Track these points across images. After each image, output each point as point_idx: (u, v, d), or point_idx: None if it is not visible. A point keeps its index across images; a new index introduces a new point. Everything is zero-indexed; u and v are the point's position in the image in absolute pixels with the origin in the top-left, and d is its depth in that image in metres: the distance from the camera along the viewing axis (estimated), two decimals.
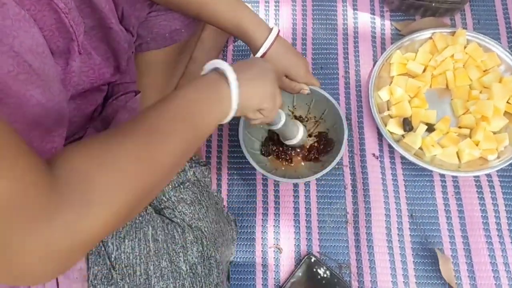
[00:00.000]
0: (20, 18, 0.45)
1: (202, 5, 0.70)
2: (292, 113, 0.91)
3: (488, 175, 0.88)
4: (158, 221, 0.63)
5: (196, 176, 0.71)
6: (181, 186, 0.68)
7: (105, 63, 0.66)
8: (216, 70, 0.54)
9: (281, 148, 0.86)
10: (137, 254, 0.58)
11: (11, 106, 0.43)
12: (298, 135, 0.80)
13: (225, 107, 0.53)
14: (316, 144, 0.87)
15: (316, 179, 0.85)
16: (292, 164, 0.86)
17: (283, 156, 0.86)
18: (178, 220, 0.64)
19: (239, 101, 0.53)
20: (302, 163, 0.87)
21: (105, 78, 0.65)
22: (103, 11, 0.62)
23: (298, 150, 0.86)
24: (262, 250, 0.85)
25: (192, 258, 0.61)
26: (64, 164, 0.36)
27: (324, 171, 0.77)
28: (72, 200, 0.35)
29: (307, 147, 0.87)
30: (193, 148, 0.50)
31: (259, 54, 0.72)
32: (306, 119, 0.90)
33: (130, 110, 0.74)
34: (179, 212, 0.66)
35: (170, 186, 0.68)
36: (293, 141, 0.80)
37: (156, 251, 0.59)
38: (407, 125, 0.90)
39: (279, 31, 0.72)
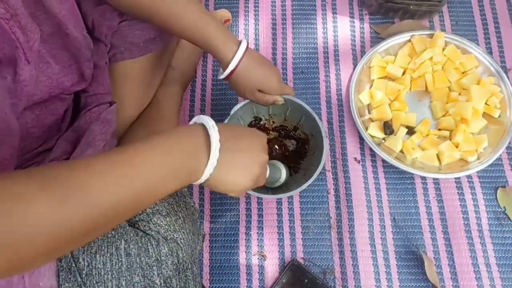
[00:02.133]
0: None
1: (165, 19, 0.68)
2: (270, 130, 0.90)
3: (469, 176, 0.89)
4: (131, 234, 0.62)
5: None
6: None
7: (65, 71, 0.64)
8: (202, 126, 0.50)
9: None
10: (108, 269, 0.57)
11: None
12: (281, 177, 0.79)
13: (190, 177, 0.49)
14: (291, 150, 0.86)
15: None
16: None
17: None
18: (153, 233, 0.63)
19: (210, 178, 0.50)
20: None
21: (65, 87, 0.63)
22: (57, 17, 0.60)
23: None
24: (246, 258, 0.85)
25: (167, 271, 0.60)
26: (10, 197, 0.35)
27: (308, 182, 0.75)
28: None
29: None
30: (131, 213, 0.44)
31: (228, 70, 0.70)
32: (287, 129, 0.89)
33: (104, 121, 0.73)
34: (154, 224, 0.65)
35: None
36: (276, 184, 0.80)
37: (129, 266, 0.58)
38: (387, 128, 0.90)
39: (247, 44, 0.71)
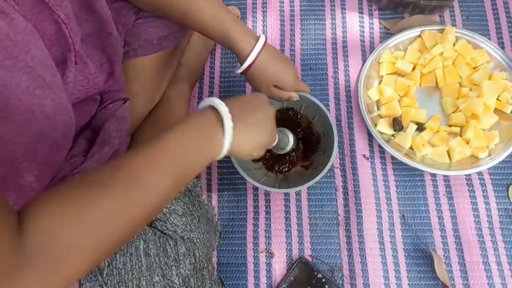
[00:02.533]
0: (28, 31, 0.44)
1: (186, 14, 0.69)
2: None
3: (480, 173, 0.88)
4: (149, 234, 0.62)
5: (187, 187, 0.71)
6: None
7: (99, 71, 0.65)
8: (212, 107, 0.54)
9: (270, 160, 0.85)
10: (129, 269, 0.58)
11: (17, 123, 0.43)
12: (290, 142, 0.79)
13: (215, 151, 0.53)
14: (301, 146, 0.86)
15: None
16: (283, 172, 0.86)
17: (274, 167, 0.85)
18: (170, 232, 0.63)
19: (231, 148, 0.54)
20: (292, 169, 0.86)
21: (99, 86, 0.65)
22: (104, 17, 0.61)
23: (287, 157, 0.85)
24: (253, 255, 0.85)
25: (185, 271, 0.61)
26: (34, 223, 0.36)
27: (315, 179, 0.75)
28: (37, 263, 0.35)
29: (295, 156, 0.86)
30: (175, 192, 0.51)
31: (246, 64, 0.71)
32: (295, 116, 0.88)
33: (118, 118, 0.74)
34: (171, 224, 0.65)
35: None
36: (285, 150, 0.80)
37: (148, 266, 0.59)
38: (397, 124, 0.89)
39: (266, 39, 0.72)
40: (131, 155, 0.47)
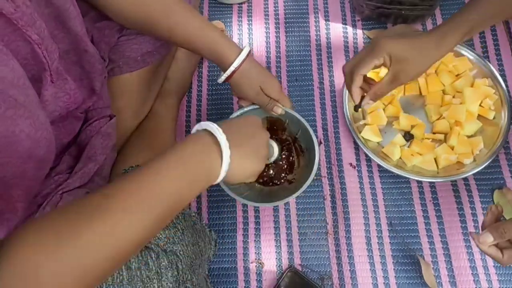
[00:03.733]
0: None
1: (171, 29, 0.71)
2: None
3: (465, 179, 0.89)
4: None
5: None
6: None
7: (79, 86, 0.66)
8: (207, 131, 0.54)
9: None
10: (109, 283, 0.58)
11: (0, 145, 0.43)
12: (274, 153, 0.80)
13: (210, 179, 0.54)
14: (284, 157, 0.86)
15: None
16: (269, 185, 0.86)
17: (258, 180, 0.85)
18: (152, 246, 0.64)
19: (226, 176, 0.54)
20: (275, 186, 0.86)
21: (79, 102, 0.65)
22: (78, 35, 0.62)
23: (272, 171, 0.85)
24: (244, 266, 0.85)
25: (167, 283, 0.61)
26: (15, 255, 0.36)
27: (296, 194, 0.75)
28: None
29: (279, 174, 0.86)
30: (166, 222, 0.50)
31: (231, 69, 0.72)
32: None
33: (104, 135, 0.75)
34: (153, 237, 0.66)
35: None
36: (269, 161, 0.80)
37: (130, 279, 0.59)
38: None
39: (251, 50, 0.73)
40: (122, 183, 0.46)
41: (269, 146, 0.79)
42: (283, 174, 0.85)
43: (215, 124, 0.54)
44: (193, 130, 0.57)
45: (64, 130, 0.66)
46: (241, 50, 0.72)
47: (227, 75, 0.74)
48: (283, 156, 0.86)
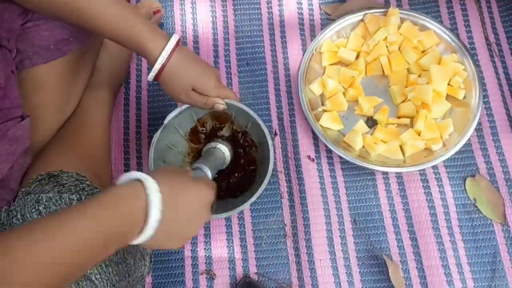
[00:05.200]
0: None
1: (80, 13, 0.59)
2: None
3: (434, 167, 0.80)
4: None
5: None
6: None
7: None
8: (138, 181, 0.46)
9: None
10: None
11: None
12: (226, 159, 0.72)
13: (130, 240, 0.46)
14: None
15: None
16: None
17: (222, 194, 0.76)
18: None
19: (145, 242, 0.46)
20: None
21: None
22: None
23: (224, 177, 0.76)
24: (192, 279, 0.76)
25: None
26: None
27: (253, 198, 0.67)
28: None
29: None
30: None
31: (156, 68, 0.62)
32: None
33: (11, 139, 0.63)
34: None
35: None
36: (223, 167, 0.73)
37: None
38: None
39: (179, 39, 0.63)
40: (30, 225, 0.41)
41: (220, 152, 0.71)
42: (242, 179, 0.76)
43: (153, 182, 0.46)
44: (124, 178, 0.47)
45: None
46: (168, 39, 0.62)
47: (154, 74, 0.63)
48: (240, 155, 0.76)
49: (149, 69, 0.88)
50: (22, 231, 0.39)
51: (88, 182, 0.65)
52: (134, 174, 0.47)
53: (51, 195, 0.60)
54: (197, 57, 0.66)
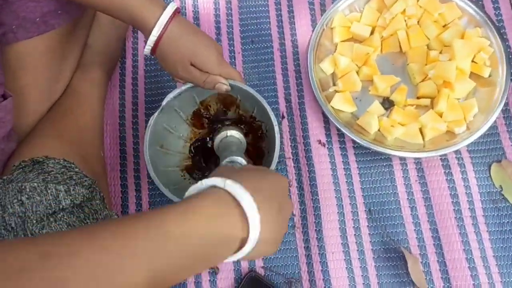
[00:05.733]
0: None
1: None
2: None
3: (457, 152, 0.74)
4: None
5: (74, 202, 0.55)
6: (50, 219, 0.52)
7: None
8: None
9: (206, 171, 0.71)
10: None
11: None
12: (243, 144, 0.68)
13: (225, 257, 0.39)
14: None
15: None
16: None
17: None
18: None
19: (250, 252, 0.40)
20: None
21: None
22: None
23: None
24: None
25: None
26: None
27: None
28: None
29: None
30: None
31: (151, 39, 0.56)
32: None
33: None
34: None
35: (34, 221, 0.51)
36: (244, 151, 0.68)
37: None
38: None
39: (177, 8, 0.56)
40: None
41: (233, 138, 0.65)
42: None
43: (243, 189, 0.38)
44: (201, 186, 0.40)
45: None
46: (164, 7, 0.56)
47: (150, 47, 0.58)
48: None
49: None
50: (90, 234, 0.33)
51: (76, 170, 0.59)
52: (205, 181, 0.40)
53: (35, 184, 0.54)
54: (197, 29, 0.60)
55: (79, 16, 0.69)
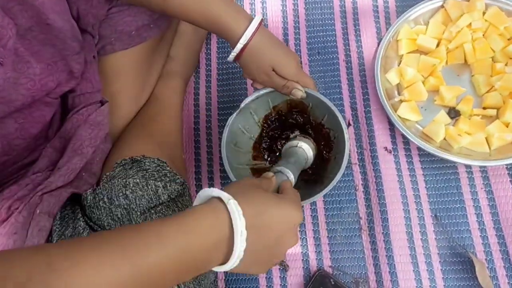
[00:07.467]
0: None
1: None
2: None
3: None
4: None
5: (170, 197, 0.61)
6: (152, 211, 0.58)
7: (50, 70, 0.56)
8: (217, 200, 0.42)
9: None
10: None
11: None
12: (308, 160, 0.69)
13: (213, 265, 0.43)
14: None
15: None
16: None
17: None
18: None
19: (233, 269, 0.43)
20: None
21: (49, 88, 0.55)
22: (34, 5, 0.51)
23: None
24: None
25: None
26: None
27: (324, 191, 0.64)
28: None
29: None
30: None
31: (239, 47, 0.61)
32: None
33: (93, 124, 0.65)
34: None
35: (138, 213, 0.57)
36: (306, 167, 0.70)
37: None
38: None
39: (262, 19, 0.61)
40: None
41: (302, 151, 0.68)
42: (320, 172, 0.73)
43: (235, 204, 0.41)
44: (202, 196, 0.44)
45: (31, 118, 0.56)
46: (251, 20, 0.61)
47: (235, 53, 0.62)
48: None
49: (219, 57, 0.89)
50: (94, 245, 0.36)
51: (168, 168, 0.65)
52: (215, 191, 0.43)
53: (137, 180, 0.60)
54: (278, 39, 0.65)
55: (166, 30, 0.76)
